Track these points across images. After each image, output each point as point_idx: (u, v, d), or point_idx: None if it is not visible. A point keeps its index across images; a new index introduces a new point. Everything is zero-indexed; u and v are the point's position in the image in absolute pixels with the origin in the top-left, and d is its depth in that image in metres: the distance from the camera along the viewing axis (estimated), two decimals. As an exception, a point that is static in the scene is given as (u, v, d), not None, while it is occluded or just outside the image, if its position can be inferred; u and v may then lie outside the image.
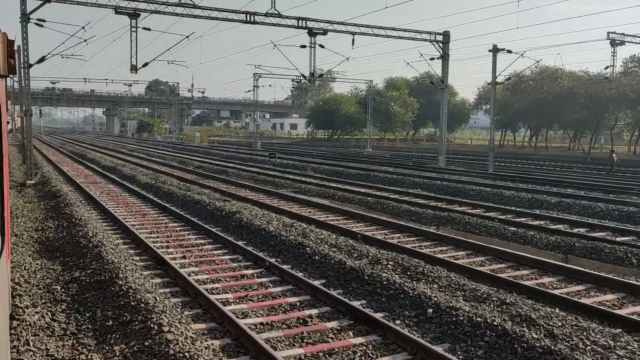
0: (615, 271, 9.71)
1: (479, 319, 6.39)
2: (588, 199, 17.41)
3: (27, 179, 22.83)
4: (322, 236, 11.47)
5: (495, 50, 29.08)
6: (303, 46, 28.46)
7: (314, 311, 7.24)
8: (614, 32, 30.56)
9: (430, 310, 6.85)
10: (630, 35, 31.50)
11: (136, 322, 6.47)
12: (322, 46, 28.52)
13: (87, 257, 9.79)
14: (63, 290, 8.19)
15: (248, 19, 26.19)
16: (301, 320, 6.89)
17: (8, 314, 4.83)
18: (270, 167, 31.47)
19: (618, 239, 11.97)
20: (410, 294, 7.33)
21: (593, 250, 10.75)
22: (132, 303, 7.05)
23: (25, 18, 21.70)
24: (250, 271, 9.29)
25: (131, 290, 7.49)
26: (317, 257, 9.61)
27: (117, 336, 6.25)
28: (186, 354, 5.44)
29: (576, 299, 7.65)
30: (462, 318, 6.48)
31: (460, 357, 5.80)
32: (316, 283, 8.34)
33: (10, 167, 28.00)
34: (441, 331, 6.42)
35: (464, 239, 11.84)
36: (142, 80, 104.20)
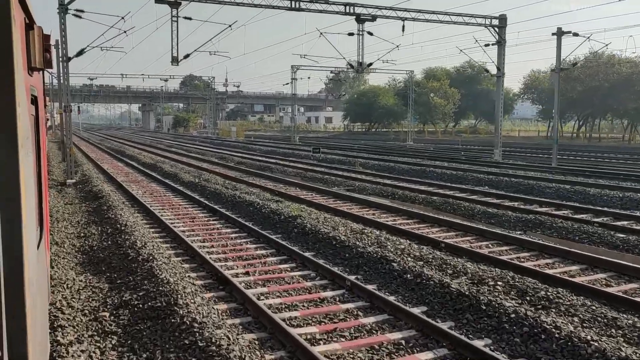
0: None
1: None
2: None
3: (67, 178, 21.93)
4: (402, 246, 9.86)
5: (559, 33, 26.77)
6: (351, 34, 26.76)
7: (429, 355, 5.65)
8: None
9: None
10: None
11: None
12: (370, 33, 26.81)
13: (137, 274, 8.44)
14: (113, 318, 6.83)
15: (293, 6, 24.65)
16: (415, 369, 5.33)
17: (47, 304, 4.86)
18: (315, 163, 29.98)
19: None
20: (556, 334, 5.65)
21: None
22: (200, 344, 5.59)
23: (63, 9, 20.68)
24: (329, 293, 7.76)
25: (196, 325, 6.05)
26: (408, 275, 8.00)
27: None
28: None
29: None
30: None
31: None
32: (418, 312, 6.75)
33: (49, 165, 27.29)
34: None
35: (566, 248, 10.04)
36: (178, 75, 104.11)
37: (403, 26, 26.84)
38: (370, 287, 7.80)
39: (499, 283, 7.64)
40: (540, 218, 12.76)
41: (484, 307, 6.58)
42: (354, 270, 8.89)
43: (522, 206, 14.92)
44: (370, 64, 29.03)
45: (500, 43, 29.17)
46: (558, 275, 8.25)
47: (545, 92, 61.59)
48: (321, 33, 26.64)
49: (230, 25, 23.42)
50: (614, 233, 11.10)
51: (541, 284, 7.61)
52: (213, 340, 5.57)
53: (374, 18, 26.23)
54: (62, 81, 22.94)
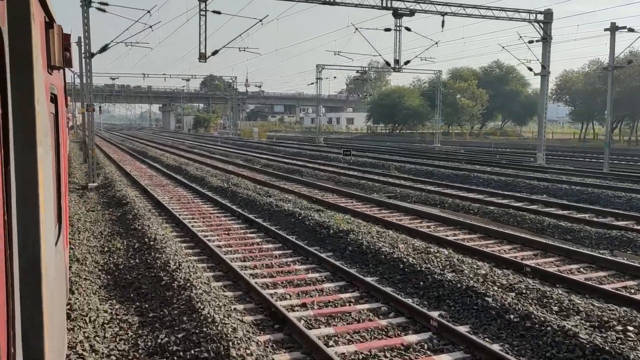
0: None
1: None
2: None
3: (88, 182, 20.71)
4: (482, 271, 8.26)
5: (613, 29, 24.85)
6: (387, 29, 25.15)
7: None
8: None
9: None
10: None
11: None
12: (408, 29, 25.16)
13: (173, 305, 6.99)
14: (147, 371, 5.37)
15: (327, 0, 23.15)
16: None
17: (65, 301, 4.95)
18: (346, 166, 28.44)
19: None
20: None
21: None
22: None
23: (86, 2, 19.48)
24: (412, 337, 6.20)
25: (260, 392, 4.55)
26: (511, 315, 6.40)
27: None
28: None
29: None
30: None
31: None
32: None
33: (70, 167, 26.18)
34: None
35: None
36: (199, 75, 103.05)
37: (443, 21, 25.21)
38: (462, 329, 6.25)
39: (630, 328, 6.03)
40: (628, 235, 11.05)
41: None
42: (434, 303, 7.32)
43: (595, 219, 13.20)
44: (408, 62, 27.38)
45: (546, 39, 27.32)
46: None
47: (579, 93, 59.18)
48: (356, 28, 25.11)
49: (261, 20, 22.03)
50: None
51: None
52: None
53: (412, 13, 24.62)
54: (84, 79, 21.75)
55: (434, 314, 6.71)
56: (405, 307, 6.96)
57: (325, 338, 6.17)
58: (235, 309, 6.97)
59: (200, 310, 6.52)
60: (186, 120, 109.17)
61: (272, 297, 7.40)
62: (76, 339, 6.12)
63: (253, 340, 5.80)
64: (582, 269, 9.14)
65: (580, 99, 59.48)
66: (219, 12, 21.67)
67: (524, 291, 7.41)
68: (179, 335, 6.01)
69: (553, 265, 9.41)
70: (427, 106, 73.61)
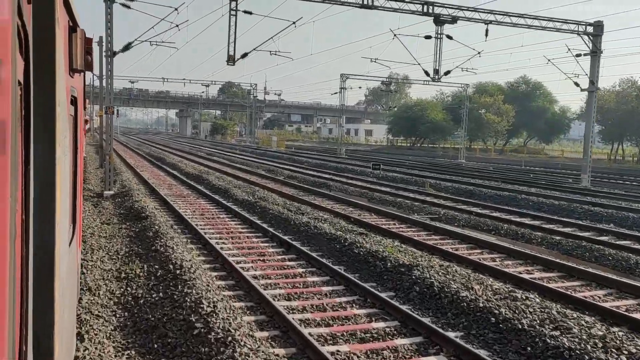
0: None
1: None
2: None
3: (104, 189, 19.23)
4: (596, 331, 6.50)
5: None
6: (427, 37, 23.52)
7: None
8: None
9: None
10: None
11: None
12: (450, 37, 23.51)
13: (211, 369, 5.33)
14: None
15: (365, 3, 21.61)
16: None
17: (76, 302, 4.91)
18: (375, 181, 26.73)
19: None
20: None
21: None
22: None
23: (110, -4, 18.11)
24: None
25: None
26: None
27: None
28: None
29: None
30: None
31: None
32: None
33: (85, 172, 24.80)
34: None
35: None
36: (219, 81, 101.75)
37: (487, 30, 23.54)
38: None
39: None
40: None
41: None
42: (553, 380, 5.58)
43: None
44: (448, 72, 25.68)
45: (595, 53, 25.51)
46: None
47: (611, 112, 56.99)
48: (395, 35, 23.51)
49: (294, 22, 20.53)
50: None
51: None
52: None
53: (454, 20, 22.99)
54: (104, 79, 20.38)
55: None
56: (518, 386, 5.22)
57: None
58: (293, 378, 5.30)
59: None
60: (203, 126, 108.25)
61: (333, 356, 5.72)
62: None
63: None
64: None
65: (612, 118, 57.29)
66: (250, 13, 20.22)
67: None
68: None
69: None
70: (449, 120, 71.79)
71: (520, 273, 9.86)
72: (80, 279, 8.50)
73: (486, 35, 23.55)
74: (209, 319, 6.42)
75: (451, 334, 6.57)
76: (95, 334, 6.49)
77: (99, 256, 10.29)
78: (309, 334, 6.39)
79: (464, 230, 14.29)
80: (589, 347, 5.95)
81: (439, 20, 22.88)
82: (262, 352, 5.67)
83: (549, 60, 27.31)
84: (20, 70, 1.66)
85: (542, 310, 7.19)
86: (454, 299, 7.59)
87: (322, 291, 8.41)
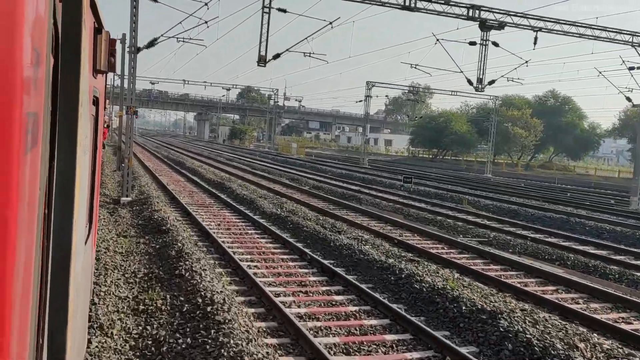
0: None
1: None
2: None
3: (121, 195, 17.83)
4: None
5: None
6: (472, 43, 21.88)
7: None
8: None
9: None
10: None
11: None
12: (495, 44, 21.86)
13: None
14: None
15: (407, 4, 20.06)
16: None
17: (89, 298, 4.97)
18: (407, 195, 25.07)
19: None
20: None
21: None
22: None
23: (136, -12, 16.80)
24: None
25: None
26: None
27: None
28: None
29: None
30: None
31: None
32: None
33: (102, 175, 23.49)
34: None
35: None
36: (240, 85, 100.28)
37: (535, 38, 21.83)
38: None
39: None
40: None
41: None
42: None
43: None
44: (492, 82, 23.95)
45: (651, 66, 23.66)
46: None
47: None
48: (437, 40, 21.91)
49: (331, 23, 19.04)
50: None
51: None
52: None
53: (501, 25, 21.35)
54: (127, 76, 19.09)
55: None
56: None
57: None
58: None
59: None
60: (221, 130, 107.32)
61: None
62: None
63: None
64: None
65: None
66: (284, 11, 18.78)
67: None
68: None
69: None
70: (474, 133, 69.81)
71: (617, 321, 8.16)
72: (92, 310, 7.04)
73: (534, 43, 21.86)
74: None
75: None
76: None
77: (114, 279, 8.80)
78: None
79: (523, 259, 12.61)
80: None
81: (485, 26, 21.25)
82: None
83: (600, 72, 25.47)
84: (50, 67, 1.67)
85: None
86: (563, 365, 5.93)
87: (385, 341, 6.79)
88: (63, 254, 2.27)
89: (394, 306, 7.88)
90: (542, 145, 69.29)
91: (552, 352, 6.14)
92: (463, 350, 6.40)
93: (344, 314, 7.73)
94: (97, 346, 6.10)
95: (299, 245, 11.98)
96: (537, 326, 7.05)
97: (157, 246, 11.11)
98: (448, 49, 21.03)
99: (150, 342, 6.37)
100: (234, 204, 17.94)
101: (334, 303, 8.22)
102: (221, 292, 7.76)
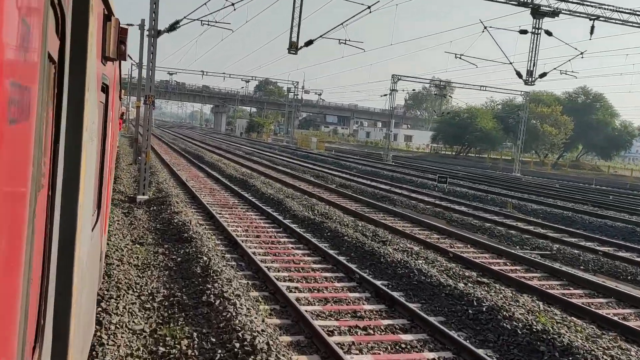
0: None
1: None
2: None
3: (138, 193, 16.25)
4: None
5: None
6: (523, 31, 19.87)
7: None
8: None
9: None
10: None
11: None
12: (549, 33, 19.83)
13: None
14: None
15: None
16: None
17: (96, 288, 4.91)
18: (442, 196, 23.20)
19: None
20: None
21: None
22: None
23: (157, -36, 15.13)
24: None
25: None
26: None
27: None
28: None
29: None
30: None
31: None
32: None
33: (117, 168, 21.97)
34: None
35: None
36: (259, 77, 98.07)
37: (592, 27, 19.75)
38: None
39: None
40: None
41: None
42: None
43: None
44: (544, 74, 21.88)
45: None
46: None
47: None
48: (485, 27, 19.93)
49: (369, 7, 17.18)
50: None
51: None
52: None
53: (555, 13, 19.32)
54: (146, 64, 17.52)
55: None
56: None
57: None
58: None
59: None
60: (239, 123, 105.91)
61: None
62: None
63: None
64: None
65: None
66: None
67: None
68: None
69: None
70: (499, 130, 67.49)
71: None
72: (100, 352, 5.43)
73: (591, 32, 19.78)
74: None
75: None
76: None
77: (127, 302, 7.16)
78: None
79: (602, 279, 10.76)
80: None
81: (537, 12, 19.24)
82: None
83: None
84: (54, 48, 1.68)
85: None
86: None
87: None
88: (67, 239, 2.23)
89: (481, 352, 6.11)
90: (570, 144, 66.72)
91: None
92: None
93: (420, 364, 5.98)
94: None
95: (342, 259, 10.26)
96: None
97: (179, 259, 9.46)
98: (495, 37, 19.01)
99: (173, 410, 4.69)
100: (260, 204, 16.27)
101: (403, 346, 6.46)
102: (263, 331, 6.05)
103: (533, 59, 20.29)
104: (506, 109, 69.89)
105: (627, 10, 20.43)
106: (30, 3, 1.22)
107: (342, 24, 17.66)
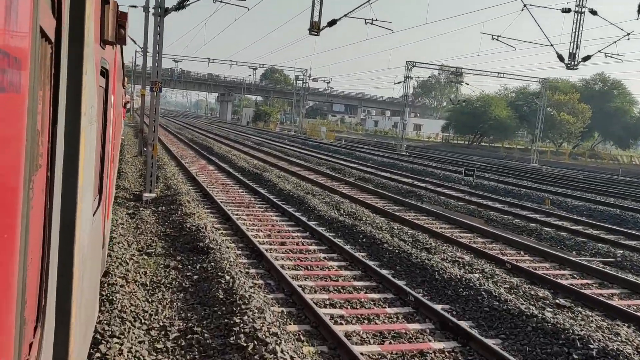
0: None
1: None
2: None
3: (144, 190, 14.67)
4: None
5: None
6: (566, 10, 18.03)
7: None
8: None
9: None
10: None
11: None
12: (593, 12, 17.98)
13: None
14: None
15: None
16: None
17: (99, 273, 4.92)
18: (470, 190, 21.55)
19: None
20: None
21: None
22: None
23: None
24: None
25: None
26: None
27: None
28: None
29: None
30: None
31: None
32: None
33: (121, 162, 20.39)
34: None
35: None
36: (267, 64, 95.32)
37: (641, 5, 17.86)
38: None
39: None
40: None
41: None
42: None
43: None
44: (588, 57, 20.02)
45: None
46: None
47: None
48: (525, 5, 18.02)
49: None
50: None
51: None
52: None
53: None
54: (153, 48, 15.88)
55: None
56: None
57: None
58: None
59: None
60: (245, 112, 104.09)
61: None
62: None
63: None
64: None
65: None
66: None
67: None
68: None
69: None
70: (514, 118, 65.50)
71: None
72: None
73: (639, 12, 17.91)
74: None
75: None
76: None
77: (134, 341, 5.60)
78: None
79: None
80: None
81: (582, -11, 17.38)
82: None
83: None
84: (50, 25, 1.68)
85: None
86: None
87: None
88: (67, 221, 2.23)
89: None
90: (587, 133, 64.68)
91: None
92: None
93: None
94: None
95: (386, 273, 8.66)
96: None
97: (195, 276, 7.87)
98: (535, 17, 17.15)
99: None
100: (278, 202, 14.68)
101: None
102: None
103: (576, 40, 18.46)
104: (520, 96, 67.86)
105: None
106: None
107: (368, 1, 15.85)
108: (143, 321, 6.29)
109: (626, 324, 7.16)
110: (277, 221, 12.64)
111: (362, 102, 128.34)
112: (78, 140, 2.29)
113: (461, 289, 7.83)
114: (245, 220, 12.38)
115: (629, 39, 19.25)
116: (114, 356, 5.28)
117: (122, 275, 7.70)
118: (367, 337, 6.29)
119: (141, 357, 5.39)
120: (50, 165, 1.83)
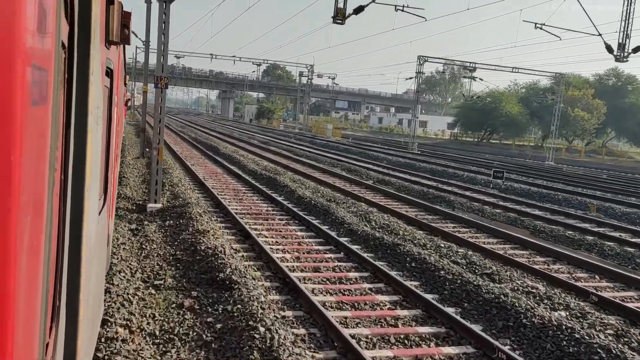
0: None
1: None
2: None
3: (149, 200, 12.93)
4: None
5: None
6: (616, -5, 16.22)
7: None
8: None
9: None
10: None
11: None
12: (646, -2, 16.17)
13: None
14: None
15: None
16: None
17: (104, 271, 5.02)
18: (501, 194, 19.81)
19: None
20: None
21: None
22: None
23: None
24: None
25: None
26: None
27: None
28: None
29: None
30: None
31: None
32: None
33: (122, 164, 18.63)
34: None
35: None
36: (270, 60, 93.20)
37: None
38: None
39: None
40: None
41: None
42: None
43: None
44: (639, 48, 18.19)
45: None
46: None
47: None
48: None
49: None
50: None
51: None
52: None
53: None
54: (158, 39, 14.16)
55: None
56: None
57: None
58: None
59: None
60: (248, 109, 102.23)
61: None
62: None
63: None
64: None
65: None
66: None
67: None
68: None
69: None
70: (526, 115, 63.65)
71: None
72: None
73: (695, -3, 16.09)
74: None
75: None
76: None
77: None
78: None
79: None
80: None
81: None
82: None
83: None
84: (65, 33, 1.66)
85: None
86: None
87: None
88: (74, 222, 2.22)
89: None
90: (601, 129, 62.81)
91: None
92: None
93: None
94: None
95: (451, 312, 6.93)
96: None
97: (218, 325, 6.14)
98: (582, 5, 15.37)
99: None
100: (300, 213, 12.96)
101: None
102: None
103: (626, 29, 16.68)
104: (530, 92, 66.01)
105: None
106: None
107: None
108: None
109: None
110: (303, 237, 10.90)
111: (366, 99, 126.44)
112: (85, 141, 2.29)
113: (565, 345, 6.06)
114: (267, 237, 10.64)
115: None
116: None
117: (124, 321, 6.00)
118: None
119: None
120: (64, 168, 1.85)
